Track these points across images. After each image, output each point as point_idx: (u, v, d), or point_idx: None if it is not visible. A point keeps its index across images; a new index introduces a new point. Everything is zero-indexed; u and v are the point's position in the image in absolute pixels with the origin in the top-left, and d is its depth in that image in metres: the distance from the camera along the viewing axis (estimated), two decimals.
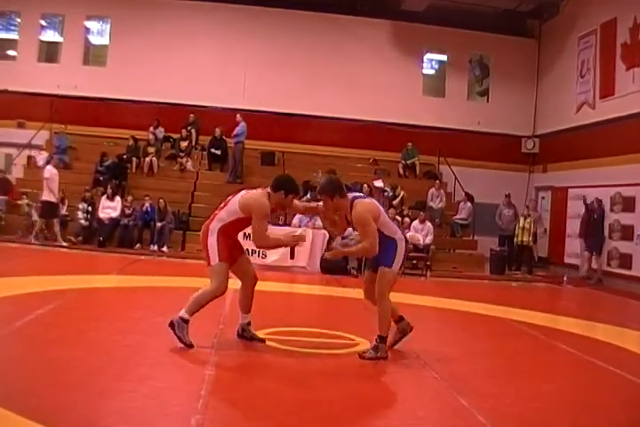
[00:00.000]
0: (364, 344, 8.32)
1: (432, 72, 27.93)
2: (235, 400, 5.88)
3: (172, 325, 7.47)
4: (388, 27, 26.03)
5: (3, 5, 25.64)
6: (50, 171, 19.45)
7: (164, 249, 19.73)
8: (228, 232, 7.71)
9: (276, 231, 10.54)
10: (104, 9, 25.62)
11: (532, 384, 7.13)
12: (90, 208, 20.23)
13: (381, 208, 7.87)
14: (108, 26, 26.09)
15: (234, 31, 25.31)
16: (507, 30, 25.97)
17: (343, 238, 10.75)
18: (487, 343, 9.55)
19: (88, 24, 26.42)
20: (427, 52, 27.13)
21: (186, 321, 7.49)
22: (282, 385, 6.55)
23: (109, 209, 20.00)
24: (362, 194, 8.37)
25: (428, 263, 19.30)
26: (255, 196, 7.62)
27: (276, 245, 8.24)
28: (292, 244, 8.27)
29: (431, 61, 27.79)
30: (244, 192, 7.83)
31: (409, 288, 15.60)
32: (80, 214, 20.19)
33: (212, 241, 7.66)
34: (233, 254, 7.80)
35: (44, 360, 6.56)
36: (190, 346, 7.43)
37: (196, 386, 6.01)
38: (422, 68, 27.05)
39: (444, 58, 27.25)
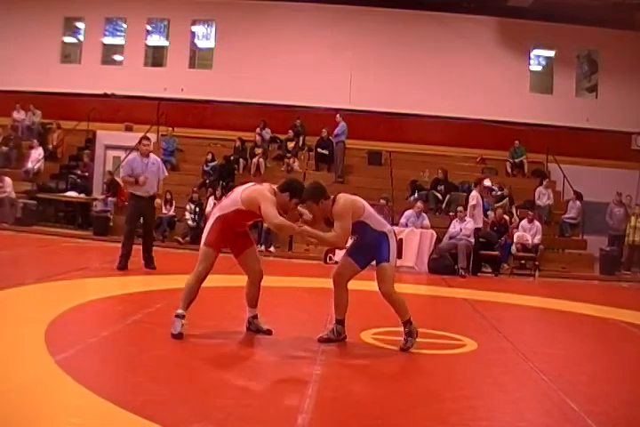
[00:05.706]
0: (472, 345, 8.25)
1: (539, 68, 27.53)
2: (342, 400, 5.86)
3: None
4: (494, 23, 25.76)
5: (109, 12, 26.39)
6: (476, 197, 18.16)
7: (272, 249, 19.86)
8: (228, 221, 7.63)
9: None
10: (209, 12, 26.09)
11: None
12: (197, 209, 20.56)
13: (365, 202, 7.73)
14: (213, 29, 26.55)
15: (338, 31, 25.42)
16: (615, 24, 25.23)
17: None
18: (595, 345, 9.33)
19: (193, 28, 26.88)
20: (533, 49, 26.74)
21: (180, 316, 7.49)
22: (388, 385, 6.54)
23: None
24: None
25: (537, 263, 19.03)
26: (260, 189, 7.54)
27: (288, 229, 7.56)
28: (301, 235, 7.53)
29: (538, 58, 27.38)
30: (249, 184, 7.79)
31: (517, 288, 15.51)
32: (187, 215, 20.57)
33: (208, 225, 7.75)
34: (231, 242, 7.82)
35: (152, 358, 6.69)
36: (178, 337, 7.38)
37: (303, 385, 6.04)
38: (529, 64, 26.68)
39: (551, 54, 26.85)
